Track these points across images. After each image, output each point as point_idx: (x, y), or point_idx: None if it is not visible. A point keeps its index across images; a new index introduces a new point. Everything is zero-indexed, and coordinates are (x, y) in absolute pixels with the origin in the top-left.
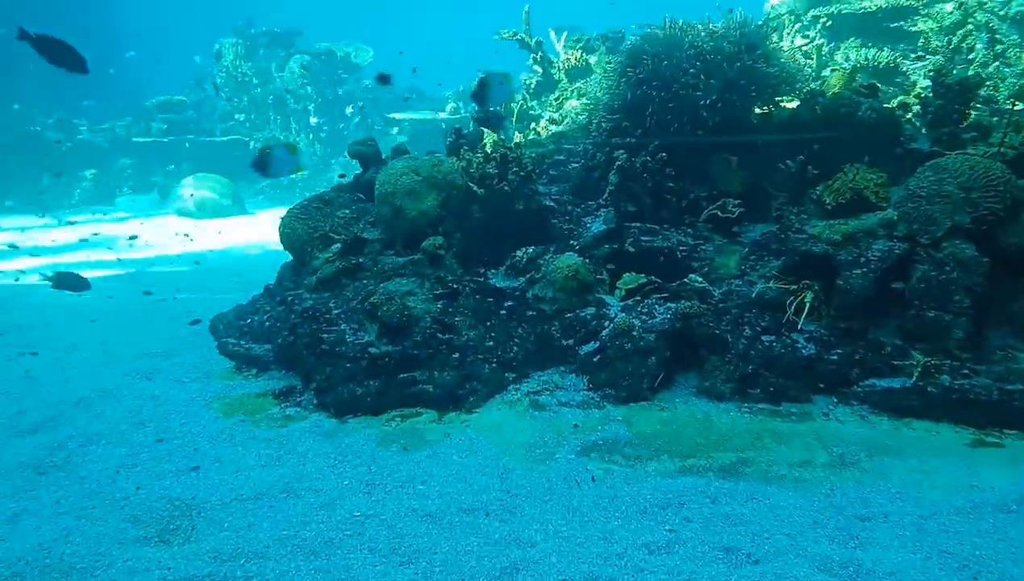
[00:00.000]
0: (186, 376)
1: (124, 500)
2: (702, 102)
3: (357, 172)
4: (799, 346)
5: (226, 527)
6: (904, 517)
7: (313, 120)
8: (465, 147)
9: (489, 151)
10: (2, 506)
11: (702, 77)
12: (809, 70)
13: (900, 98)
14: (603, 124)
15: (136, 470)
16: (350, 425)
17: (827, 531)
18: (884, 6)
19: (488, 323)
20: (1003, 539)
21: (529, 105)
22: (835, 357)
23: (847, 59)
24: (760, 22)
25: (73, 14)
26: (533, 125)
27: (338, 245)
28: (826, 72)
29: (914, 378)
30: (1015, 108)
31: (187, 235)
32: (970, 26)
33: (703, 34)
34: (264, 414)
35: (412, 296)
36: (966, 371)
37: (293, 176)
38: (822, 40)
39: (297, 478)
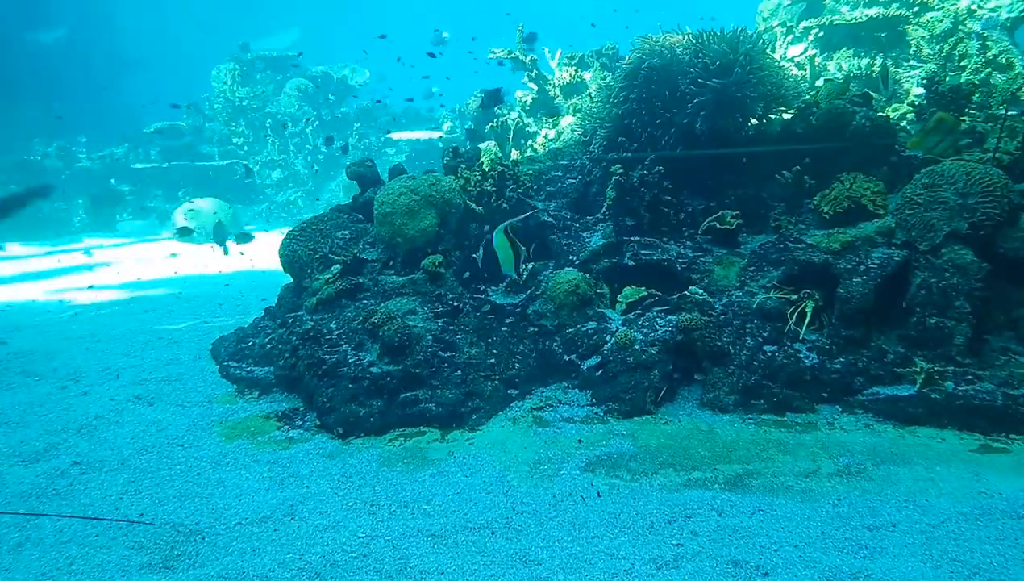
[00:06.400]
0: (188, 400)
1: (128, 527)
2: (696, 118)
3: (355, 192)
4: (802, 356)
5: (231, 552)
6: (912, 526)
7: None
8: (463, 165)
9: (487, 169)
10: (5, 535)
11: (695, 95)
12: (803, 82)
13: (894, 106)
14: (599, 139)
15: (139, 496)
16: (353, 446)
17: (835, 541)
18: (876, 17)
19: (489, 340)
20: (1013, 546)
21: (525, 122)
22: (838, 366)
23: (840, 69)
24: (751, 32)
25: (77, 42)
26: (529, 142)
27: (338, 266)
28: (819, 82)
29: (917, 385)
30: (1008, 114)
31: (185, 256)
32: (961, 33)
33: (698, 52)
34: (267, 436)
35: (413, 315)
36: (969, 377)
37: (292, 197)
38: (814, 51)
39: (301, 500)
